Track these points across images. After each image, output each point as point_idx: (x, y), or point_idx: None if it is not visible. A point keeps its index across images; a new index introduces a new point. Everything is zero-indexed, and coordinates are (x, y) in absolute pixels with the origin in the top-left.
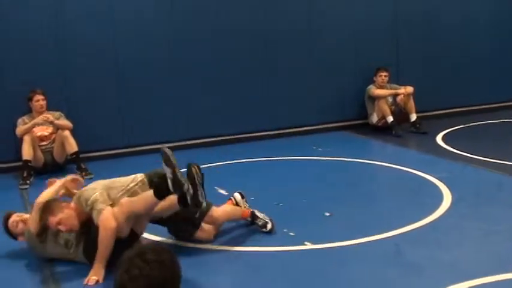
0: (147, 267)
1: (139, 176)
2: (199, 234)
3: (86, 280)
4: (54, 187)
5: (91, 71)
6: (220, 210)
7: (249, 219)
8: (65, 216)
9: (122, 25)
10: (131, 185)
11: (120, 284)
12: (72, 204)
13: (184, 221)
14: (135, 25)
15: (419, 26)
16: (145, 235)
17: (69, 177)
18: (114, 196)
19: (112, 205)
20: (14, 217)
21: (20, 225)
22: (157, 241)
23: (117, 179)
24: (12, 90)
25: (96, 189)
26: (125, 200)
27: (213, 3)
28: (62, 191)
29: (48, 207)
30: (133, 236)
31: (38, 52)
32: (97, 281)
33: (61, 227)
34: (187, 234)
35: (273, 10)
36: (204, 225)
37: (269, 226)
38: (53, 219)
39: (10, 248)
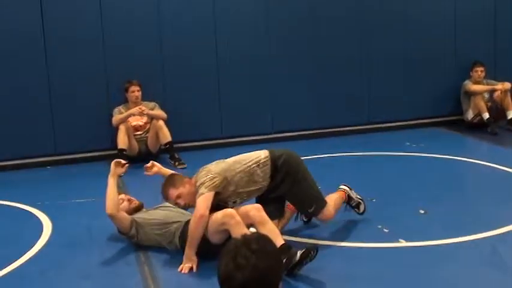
0: (253, 256)
1: (263, 154)
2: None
3: (180, 268)
4: (109, 186)
5: (188, 62)
6: (331, 207)
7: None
8: (186, 191)
9: (221, 17)
10: (251, 164)
11: (226, 272)
12: (193, 181)
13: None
14: (235, 17)
15: None
16: None
17: (112, 164)
18: (231, 178)
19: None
20: (122, 196)
21: (125, 203)
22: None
23: (242, 156)
24: (110, 81)
25: (210, 171)
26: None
27: None
28: (116, 180)
29: (170, 179)
30: None
31: (137, 43)
32: (191, 268)
33: (179, 201)
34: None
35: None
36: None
37: (362, 207)
38: (173, 192)
39: (108, 233)
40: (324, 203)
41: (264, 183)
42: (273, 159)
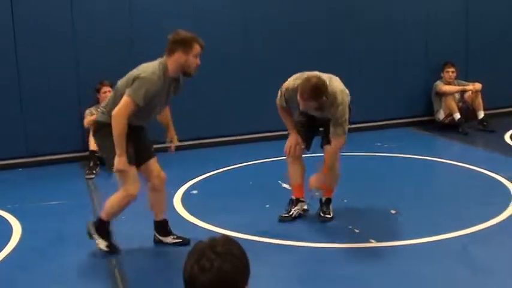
0: (219, 259)
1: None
2: None
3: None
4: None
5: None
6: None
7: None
8: None
9: (196, 16)
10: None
11: (191, 275)
12: None
13: None
14: (211, 17)
15: (489, 21)
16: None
17: None
18: None
19: None
20: None
21: None
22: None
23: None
24: (82, 82)
25: None
26: None
27: None
28: None
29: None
30: None
31: (108, 44)
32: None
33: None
34: None
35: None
36: None
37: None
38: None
39: (79, 237)
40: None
41: None
42: None
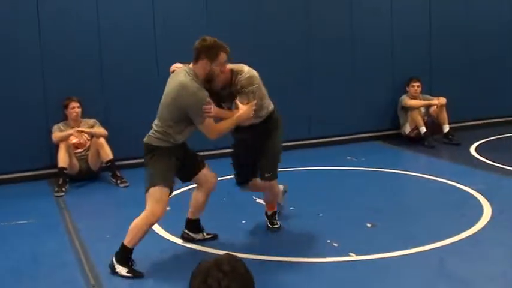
0: (226, 278)
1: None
2: None
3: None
4: None
5: (129, 78)
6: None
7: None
8: None
9: (163, 34)
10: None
11: None
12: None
13: None
14: (176, 33)
15: (452, 36)
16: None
17: None
18: None
19: None
20: None
21: None
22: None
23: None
24: (49, 98)
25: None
26: None
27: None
28: None
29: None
30: None
31: (76, 59)
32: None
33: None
34: None
35: (313, 17)
36: None
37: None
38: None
39: (53, 257)
40: (277, 176)
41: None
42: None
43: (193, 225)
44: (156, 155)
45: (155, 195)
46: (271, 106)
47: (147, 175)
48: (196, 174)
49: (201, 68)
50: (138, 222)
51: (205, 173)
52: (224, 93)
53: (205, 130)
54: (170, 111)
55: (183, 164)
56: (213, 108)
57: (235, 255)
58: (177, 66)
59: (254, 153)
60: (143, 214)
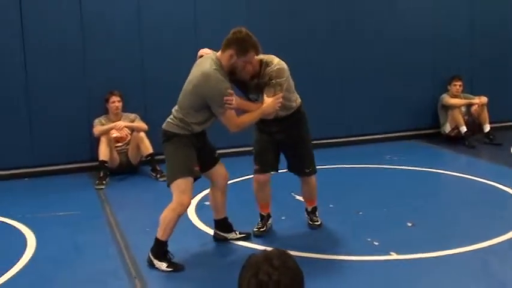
0: (276, 272)
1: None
2: None
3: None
4: None
5: (169, 73)
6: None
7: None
8: None
9: (203, 29)
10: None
11: None
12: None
13: None
14: (215, 27)
15: (494, 35)
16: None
17: None
18: None
19: None
20: None
21: None
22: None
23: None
24: (91, 91)
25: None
26: None
27: None
28: None
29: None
30: None
31: (118, 54)
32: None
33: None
34: None
35: (354, 13)
36: None
37: None
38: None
39: (94, 247)
40: (316, 170)
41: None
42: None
43: (222, 224)
44: (175, 143)
45: (180, 187)
46: (299, 100)
47: (167, 166)
48: (209, 169)
49: (226, 58)
50: (166, 214)
51: (218, 169)
52: (252, 84)
53: (226, 122)
54: (190, 99)
55: (198, 155)
56: (235, 100)
57: (285, 250)
58: (205, 51)
59: (280, 147)
60: (170, 206)
